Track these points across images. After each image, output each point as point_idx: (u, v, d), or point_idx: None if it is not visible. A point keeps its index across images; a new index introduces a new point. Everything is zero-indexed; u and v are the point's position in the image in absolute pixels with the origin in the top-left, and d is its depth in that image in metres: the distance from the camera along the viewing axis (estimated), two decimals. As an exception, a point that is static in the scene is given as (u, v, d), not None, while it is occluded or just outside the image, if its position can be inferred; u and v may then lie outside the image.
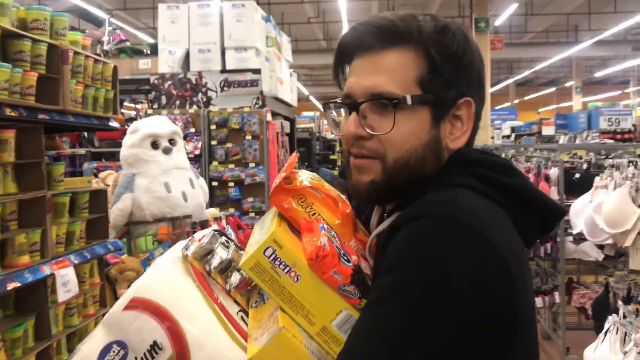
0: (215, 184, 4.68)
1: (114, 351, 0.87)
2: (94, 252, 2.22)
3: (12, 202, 1.82)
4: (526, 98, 31.16)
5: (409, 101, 0.87)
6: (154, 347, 0.85)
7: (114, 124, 2.35)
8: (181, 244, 1.03)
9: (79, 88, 2.10)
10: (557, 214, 0.90)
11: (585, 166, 4.24)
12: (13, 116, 1.74)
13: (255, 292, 0.95)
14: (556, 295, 4.05)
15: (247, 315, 0.93)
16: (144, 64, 5.49)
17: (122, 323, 0.88)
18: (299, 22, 16.06)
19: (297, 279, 0.85)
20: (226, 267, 0.96)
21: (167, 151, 2.98)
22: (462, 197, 0.82)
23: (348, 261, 0.86)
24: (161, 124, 3.03)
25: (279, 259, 0.85)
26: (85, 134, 5.72)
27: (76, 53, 2.08)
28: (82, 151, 2.28)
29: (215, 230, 1.06)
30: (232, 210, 4.56)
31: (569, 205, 3.60)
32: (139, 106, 6.08)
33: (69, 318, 2.13)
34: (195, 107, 4.83)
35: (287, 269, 0.85)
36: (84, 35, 2.20)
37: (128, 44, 5.83)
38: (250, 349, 0.85)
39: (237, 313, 0.93)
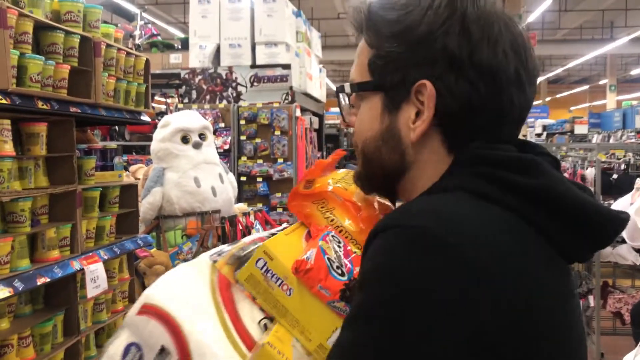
0: (243, 179, 4.67)
1: (132, 352, 0.89)
2: (123, 247, 2.19)
3: (43, 196, 1.80)
4: (558, 96, 30.61)
5: (347, 89, 0.83)
6: (162, 351, 0.87)
7: (145, 117, 2.32)
8: (223, 248, 1.00)
9: (111, 81, 2.07)
10: (613, 223, 0.72)
11: (622, 167, 4.11)
12: (45, 109, 1.71)
13: None
14: (590, 299, 3.93)
15: (271, 321, 0.90)
16: (174, 58, 5.50)
17: (138, 327, 0.89)
18: (329, 18, 16.00)
19: (290, 293, 0.83)
20: None
21: (197, 146, 2.96)
22: (449, 204, 0.70)
23: (342, 274, 0.82)
24: (192, 119, 3.01)
25: (270, 271, 0.84)
26: (117, 127, 5.76)
27: (108, 46, 2.05)
28: (114, 145, 2.25)
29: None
30: (260, 205, 4.53)
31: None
32: (169, 100, 6.09)
33: (97, 314, 2.11)
34: (225, 102, 4.82)
35: (279, 281, 0.83)
36: (116, 28, 2.17)
37: (159, 38, 5.85)
38: None
39: (261, 321, 0.89)
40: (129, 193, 2.32)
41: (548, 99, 29.29)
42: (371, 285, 0.67)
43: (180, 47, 5.76)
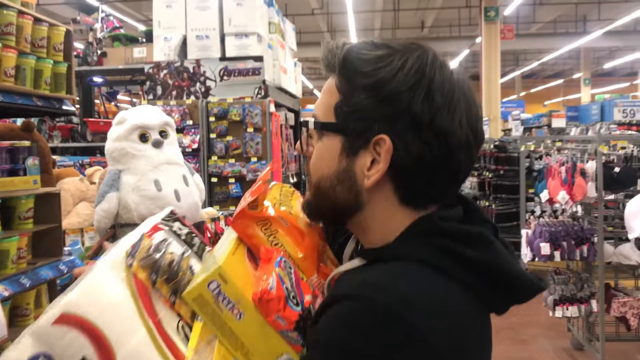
0: (214, 180, 4.36)
1: None
2: (37, 276, 1.74)
3: None
4: (532, 90, 30.81)
5: (310, 125, 0.88)
6: None
7: (68, 106, 1.91)
8: (125, 243, 0.96)
9: (10, 55, 1.60)
10: (534, 291, 0.82)
11: (623, 159, 3.87)
12: None
13: None
14: (593, 303, 3.70)
15: (190, 328, 0.90)
16: (138, 52, 5.16)
17: (50, 337, 0.86)
18: (303, 14, 15.72)
19: (240, 317, 0.83)
20: (170, 277, 0.92)
21: (157, 144, 2.63)
22: (409, 280, 0.76)
23: (297, 304, 0.83)
24: (151, 114, 2.68)
25: (222, 294, 0.82)
26: (79, 127, 5.41)
27: (2, 6, 1.56)
28: (26, 143, 1.87)
29: (166, 224, 1.00)
30: (232, 208, 4.23)
31: (611, 202, 3.26)
32: (135, 99, 5.75)
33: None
34: (192, 97, 4.50)
35: (231, 305, 0.83)
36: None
37: (122, 31, 5.50)
38: None
39: (179, 327, 0.90)
40: (49, 205, 1.86)
41: (523, 93, 29.45)
42: (327, 352, 0.73)
43: (144, 40, 5.42)
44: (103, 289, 0.89)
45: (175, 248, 0.98)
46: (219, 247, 0.94)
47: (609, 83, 28.73)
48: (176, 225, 1.04)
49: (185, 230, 1.04)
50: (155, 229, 1.00)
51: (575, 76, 26.70)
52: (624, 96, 15.23)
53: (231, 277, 0.83)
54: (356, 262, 0.87)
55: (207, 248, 1.05)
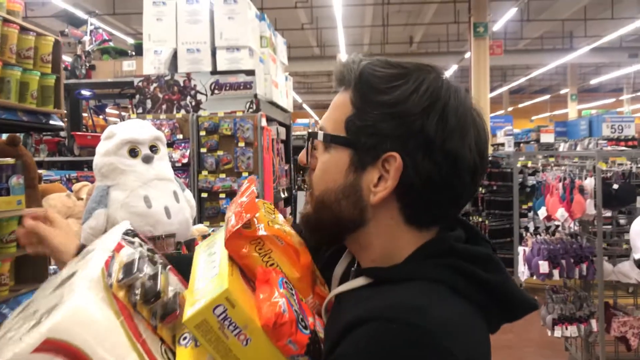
0: (204, 195, 4.27)
1: None
2: (19, 304, 1.63)
3: None
4: (520, 106, 31.06)
5: (320, 137, 0.88)
6: None
7: (55, 121, 1.81)
8: (97, 260, 0.90)
9: None
10: (529, 308, 0.84)
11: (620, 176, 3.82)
12: None
13: (183, 325, 0.83)
14: (593, 322, 3.64)
15: (173, 354, 0.86)
16: (128, 65, 5.08)
17: None
18: (293, 28, 15.75)
19: (247, 343, 0.78)
20: (153, 298, 0.86)
21: (147, 160, 2.54)
22: (439, 304, 0.75)
23: (305, 327, 0.81)
24: (141, 129, 2.60)
25: (229, 319, 0.77)
26: (65, 141, 5.31)
27: None
28: (10, 160, 1.77)
29: (129, 240, 0.94)
30: (223, 224, 4.14)
31: (609, 218, 3.22)
32: (124, 113, 5.66)
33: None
34: (183, 111, 4.42)
35: (237, 330, 0.78)
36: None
37: (111, 44, 5.42)
38: None
39: (162, 351, 0.86)
40: None
41: (510, 108, 29.66)
42: None
43: (134, 53, 5.34)
44: (87, 311, 0.83)
45: (149, 266, 0.93)
46: (211, 257, 0.89)
47: (595, 99, 29.05)
48: (137, 241, 0.99)
49: (146, 247, 1.00)
50: (122, 245, 0.94)
51: (562, 92, 26.96)
52: (611, 112, 15.38)
53: (238, 301, 0.78)
54: (360, 281, 0.85)
55: (168, 266, 1.01)
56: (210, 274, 0.84)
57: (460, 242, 0.85)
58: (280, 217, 1.00)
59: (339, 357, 0.72)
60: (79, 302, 0.83)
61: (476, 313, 0.79)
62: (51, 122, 1.69)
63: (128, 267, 0.89)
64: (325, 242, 0.96)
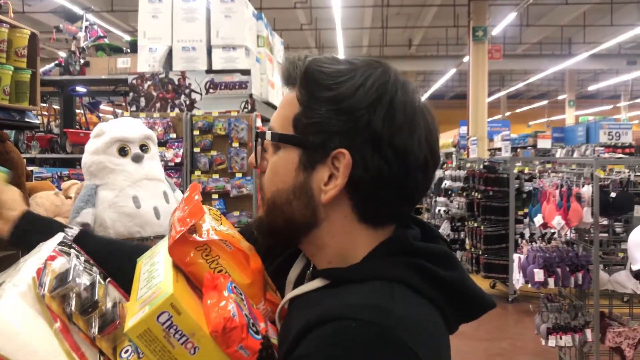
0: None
1: None
2: None
3: None
4: (517, 111, 31.09)
5: (267, 137, 0.85)
6: None
7: (31, 119, 1.73)
8: (27, 268, 0.87)
9: None
10: (487, 306, 0.84)
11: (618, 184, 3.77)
12: None
13: (124, 337, 0.81)
14: (588, 332, 3.59)
15: None
16: (122, 62, 5.02)
17: None
18: (292, 29, 15.71)
19: (195, 352, 0.74)
20: (90, 308, 0.82)
21: (137, 159, 2.49)
22: (399, 302, 0.74)
23: (257, 332, 0.77)
24: (131, 127, 2.54)
25: (174, 327, 0.73)
26: (58, 138, 5.25)
27: None
28: None
29: (65, 250, 0.92)
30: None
31: (605, 227, 3.17)
32: (118, 111, 5.60)
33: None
34: (177, 110, 4.37)
35: (184, 339, 0.74)
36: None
37: (106, 40, 5.36)
38: None
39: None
40: None
41: (508, 113, 29.69)
42: None
43: (129, 50, 5.29)
44: (17, 320, 0.80)
45: (84, 276, 0.89)
46: (153, 267, 0.85)
47: (593, 105, 29.09)
48: (73, 252, 0.95)
49: (82, 258, 0.96)
50: (55, 255, 0.90)
51: (560, 97, 26.99)
52: (608, 118, 15.38)
53: (184, 307, 0.74)
54: (316, 283, 0.82)
55: (108, 279, 0.96)
56: (153, 283, 0.80)
57: (417, 240, 0.84)
58: (226, 225, 0.95)
59: (299, 358, 0.70)
60: (4, 315, 0.80)
61: (435, 311, 0.79)
62: (26, 119, 1.61)
63: (61, 277, 0.84)
64: (279, 245, 0.94)
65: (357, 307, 0.72)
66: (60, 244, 0.96)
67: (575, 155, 11.23)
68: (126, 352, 0.81)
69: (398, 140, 0.79)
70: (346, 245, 0.83)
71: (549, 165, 5.22)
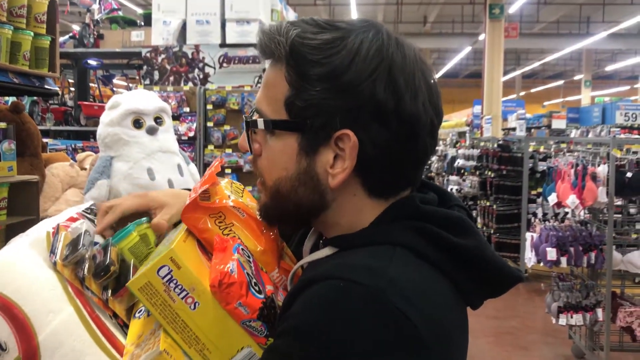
0: (210, 170, 4.23)
1: None
2: None
3: None
4: (532, 90, 30.73)
5: (260, 126, 0.79)
6: None
7: (51, 85, 1.72)
8: (47, 224, 0.88)
9: None
10: (513, 280, 0.78)
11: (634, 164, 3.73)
12: None
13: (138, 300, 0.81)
14: (599, 312, 3.59)
15: (127, 328, 0.82)
16: (136, 35, 5.00)
17: None
18: (305, 4, 15.55)
19: (195, 307, 0.74)
20: (102, 271, 0.82)
21: (152, 131, 2.50)
22: (396, 265, 0.70)
23: (259, 292, 0.77)
24: (146, 99, 2.55)
25: (174, 281, 0.74)
26: (72, 111, 5.27)
27: None
28: (2, 125, 1.69)
29: (86, 215, 0.93)
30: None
31: (619, 207, 3.15)
32: (132, 84, 5.61)
33: None
34: (190, 84, 4.36)
35: (184, 293, 0.74)
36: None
37: (120, 13, 5.34)
38: None
39: (114, 324, 0.83)
40: (27, 194, 1.67)
41: (522, 93, 29.36)
42: (305, 337, 0.65)
43: (143, 23, 5.27)
44: (22, 263, 0.82)
45: (99, 240, 0.91)
46: (165, 243, 0.85)
47: (609, 86, 28.68)
48: (91, 217, 0.96)
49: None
50: (72, 219, 0.91)
51: (576, 78, 26.63)
52: (625, 99, 15.16)
53: (184, 262, 0.74)
54: (326, 251, 0.80)
55: None
56: (164, 246, 0.81)
57: (433, 205, 0.79)
58: (247, 198, 0.95)
59: (289, 316, 0.69)
60: (11, 252, 0.83)
61: (442, 280, 0.73)
62: (46, 86, 1.61)
63: (73, 244, 0.84)
64: (290, 228, 0.93)
65: (349, 267, 0.69)
66: (87, 209, 0.97)
67: (590, 136, 11.11)
68: (139, 312, 0.82)
69: (403, 109, 0.73)
70: (358, 221, 0.79)
71: (563, 145, 5.17)
